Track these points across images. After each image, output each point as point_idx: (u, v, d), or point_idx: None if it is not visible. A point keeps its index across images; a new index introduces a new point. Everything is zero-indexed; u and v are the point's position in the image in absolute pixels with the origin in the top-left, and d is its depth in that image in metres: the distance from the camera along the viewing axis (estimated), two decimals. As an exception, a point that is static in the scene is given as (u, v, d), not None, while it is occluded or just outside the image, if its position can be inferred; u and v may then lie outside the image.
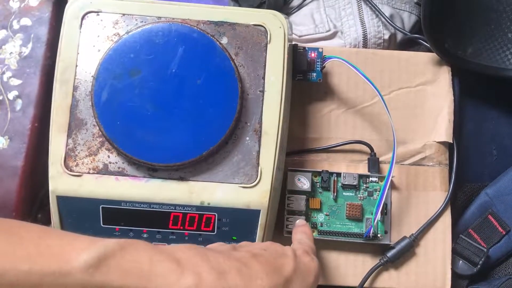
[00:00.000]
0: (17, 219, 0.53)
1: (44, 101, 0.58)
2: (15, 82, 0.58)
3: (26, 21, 0.59)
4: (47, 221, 0.54)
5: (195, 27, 0.47)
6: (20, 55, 0.58)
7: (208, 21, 0.48)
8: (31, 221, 0.45)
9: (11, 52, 0.58)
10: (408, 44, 0.63)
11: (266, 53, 0.48)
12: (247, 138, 0.47)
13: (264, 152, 0.47)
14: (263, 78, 0.48)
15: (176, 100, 0.46)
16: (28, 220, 0.55)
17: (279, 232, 0.52)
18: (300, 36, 0.62)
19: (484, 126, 0.60)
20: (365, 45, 0.61)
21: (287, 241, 0.53)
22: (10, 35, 0.59)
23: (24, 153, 0.56)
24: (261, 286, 0.36)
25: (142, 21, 0.48)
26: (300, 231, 0.49)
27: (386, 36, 0.61)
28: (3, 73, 0.58)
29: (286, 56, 0.48)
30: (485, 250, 0.54)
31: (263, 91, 0.48)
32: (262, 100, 0.47)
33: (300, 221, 0.51)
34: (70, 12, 0.48)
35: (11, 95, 0.57)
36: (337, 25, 0.62)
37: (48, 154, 0.64)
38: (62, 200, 0.46)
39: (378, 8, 0.61)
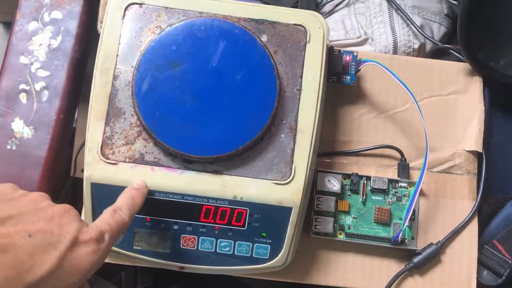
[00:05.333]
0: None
1: (70, 93, 0.58)
2: (43, 73, 0.58)
3: (57, 14, 0.60)
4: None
5: (237, 23, 0.48)
6: (49, 47, 0.59)
7: (249, 18, 0.49)
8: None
9: (40, 44, 0.59)
10: (437, 54, 0.63)
11: (304, 53, 0.48)
12: (282, 136, 0.47)
13: (299, 150, 0.47)
14: (301, 77, 0.48)
15: (215, 93, 0.46)
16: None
17: (306, 232, 0.52)
18: (330, 42, 0.63)
19: (511, 138, 0.60)
20: (395, 53, 0.61)
21: (313, 242, 0.53)
22: (41, 27, 0.60)
23: (48, 144, 0.57)
24: None
25: (184, 15, 0.48)
26: (128, 195, 0.42)
27: (416, 46, 0.62)
28: (32, 64, 0.59)
29: (324, 56, 0.48)
30: (510, 261, 0.54)
31: (300, 90, 0.48)
32: (299, 98, 0.48)
33: (139, 183, 0.44)
34: (113, 3, 0.48)
35: (38, 86, 0.58)
36: (368, 32, 0.63)
37: (71, 146, 0.65)
38: (96, 187, 0.46)
39: (410, 17, 0.62)
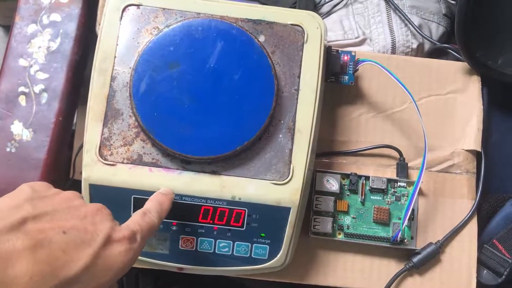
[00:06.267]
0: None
1: (69, 95, 0.59)
2: (42, 76, 0.58)
3: (55, 17, 0.60)
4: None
5: (234, 24, 0.48)
6: (48, 50, 0.59)
7: (246, 19, 0.49)
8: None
9: (39, 46, 0.59)
10: (435, 54, 0.63)
11: (302, 53, 0.48)
12: (280, 136, 0.47)
13: (297, 150, 0.47)
14: (298, 77, 0.48)
15: (212, 94, 0.46)
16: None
17: (305, 232, 0.52)
18: (328, 42, 0.63)
19: (510, 137, 0.60)
20: (393, 53, 0.61)
21: (312, 242, 0.53)
22: (40, 30, 0.60)
23: (47, 146, 0.57)
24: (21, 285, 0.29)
25: (181, 16, 0.48)
26: (156, 200, 0.42)
27: (414, 45, 0.62)
28: (31, 66, 0.59)
29: (322, 56, 0.48)
30: (510, 261, 0.54)
31: (298, 90, 0.48)
32: (297, 98, 0.48)
33: (166, 189, 0.45)
34: (111, 4, 0.49)
35: (37, 88, 0.58)
36: (366, 32, 0.63)
37: (70, 148, 0.65)
38: (95, 188, 0.46)
39: (408, 17, 0.62)
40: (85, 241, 0.33)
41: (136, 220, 0.38)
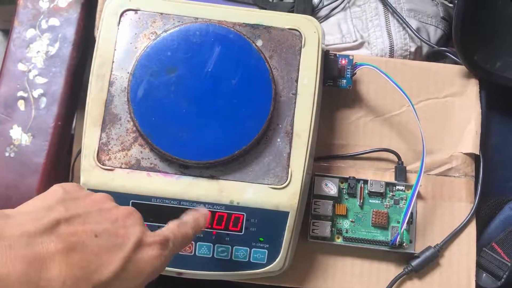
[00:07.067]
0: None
1: (68, 100, 0.59)
2: (41, 80, 0.59)
3: (54, 21, 0.60)
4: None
5: (232, 29, 0.48)
6: (46, 54, 0.59)
7: (244, 23, 0.49)
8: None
9: (38, 51, 0.59)
10: (433, 57, 0.63)
11: (300, 57, 0.49)
12: (279, 140, 0.47)
13: (295, 154, 0.47)
14: (296, 81, 0.48)
15: (210, 99, 0.46)
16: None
17: (304, 236, 0.52)
18: (327, 45, 0.63)
19: (510, 140, 0.60)
20: (391, 57, 0.61)
21: (311, 247, 0.53)
22: (38, 34, 0.60)
23: (46, 150, 0.57)
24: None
25: (179, 21, 0.49)
26: (192, 215, 0.41)
27: (412, 49, 0.62)
28: (29, 71, 0.59)
29: (319, 60, 0.49)
30: (509, 264, 0.54)
31: (295, 94, 0.48)
32: (295, 103, 0.48)
33: (202, 209, 0.44)
34: (109, 9, 0.49)
35: (36, 93, 0.58)
36: (364, 35, 0.63)
37: (69, 153, 0.65)
38: (93, 194, 0.46)
39: (406, 20, 0.62)
40: (117, 245, 0.32)
41: (172, 228, 0.38)
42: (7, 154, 0.56)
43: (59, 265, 0.28)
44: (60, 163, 0.61)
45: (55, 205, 0.32)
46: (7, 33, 0.61)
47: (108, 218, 0.33)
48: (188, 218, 0.41)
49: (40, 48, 0.59)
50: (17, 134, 0.57)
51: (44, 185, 0.56)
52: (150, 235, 0.35)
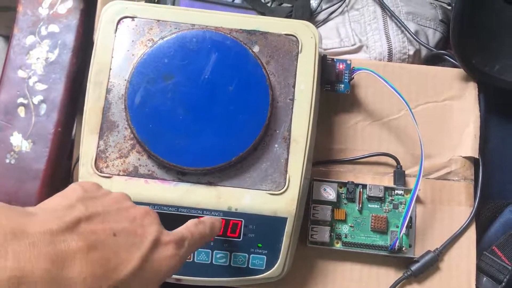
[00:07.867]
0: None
1: (68, 106, 0.59)
2: (41, 87, 0.59)
3: (54, 28, 0.61)
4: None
5: (229, 35, 0.48)
6: (46, 61, 0.59)
7: (240, 29, 0.49)
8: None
9: (37, 58, 0.59)
10: (432, 60, 0.63)
11: (297, 63, 0.49)
12: (276, 146, 0.47)
13: (293, 160, 0.47)
14: (293, 87, 0.48)
15: (207, 105, 0.46)
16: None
17: (303, 242, 0.52)
18: (325, 50, 0.63)
19: (509, 143, 0.59)
20: (390, 60, 0.61)
21: (310, 252, 0.53)
22: (38, 41, 0.60)
23: (46, 157, 0.57)
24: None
25: (176, 28, 0.49)
26: (208, 219, 0.41)
27: (411, 52, 0.62)
28: (29, 77, 0.59)
29: (316, 66, 0.48)
30: (510, 268, 0.54)
31: (293, 100, 0.48)
32: (292, 108, 0.48)
33: (216, 218, 0.44)
34: (106, 17, 0.49)
35: (36, 99, 0.58)
36: (363, 39, 0.63)
37: (69, 158, 0.65)
38: (91, 201, 0.46)
39: (404, 24, 0.62)
40: (135, 243, 0.32)
41: (189, 227, 0.38)
42: (7, 161, 0.56)
43: (80, 263, 0.28)
44: (60, 169, 0.61)
45: (76, 204, 0.32)
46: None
47: (127, 217, 0.34)
48: (205, 219, 0.41)
49: (40, 55, 0.60)
50: (18, 140, 0.57)
51: (45, 192, 0.56)
52: (167, 234, 0.35)
